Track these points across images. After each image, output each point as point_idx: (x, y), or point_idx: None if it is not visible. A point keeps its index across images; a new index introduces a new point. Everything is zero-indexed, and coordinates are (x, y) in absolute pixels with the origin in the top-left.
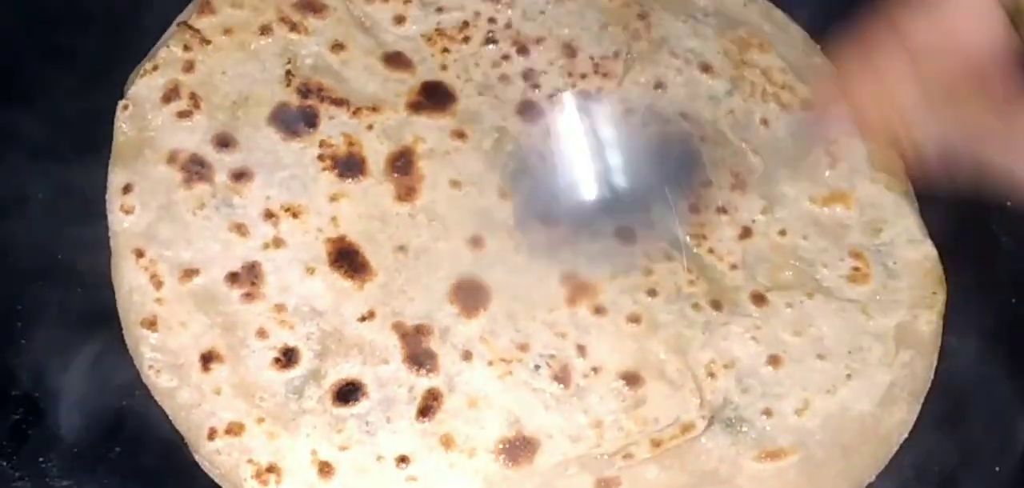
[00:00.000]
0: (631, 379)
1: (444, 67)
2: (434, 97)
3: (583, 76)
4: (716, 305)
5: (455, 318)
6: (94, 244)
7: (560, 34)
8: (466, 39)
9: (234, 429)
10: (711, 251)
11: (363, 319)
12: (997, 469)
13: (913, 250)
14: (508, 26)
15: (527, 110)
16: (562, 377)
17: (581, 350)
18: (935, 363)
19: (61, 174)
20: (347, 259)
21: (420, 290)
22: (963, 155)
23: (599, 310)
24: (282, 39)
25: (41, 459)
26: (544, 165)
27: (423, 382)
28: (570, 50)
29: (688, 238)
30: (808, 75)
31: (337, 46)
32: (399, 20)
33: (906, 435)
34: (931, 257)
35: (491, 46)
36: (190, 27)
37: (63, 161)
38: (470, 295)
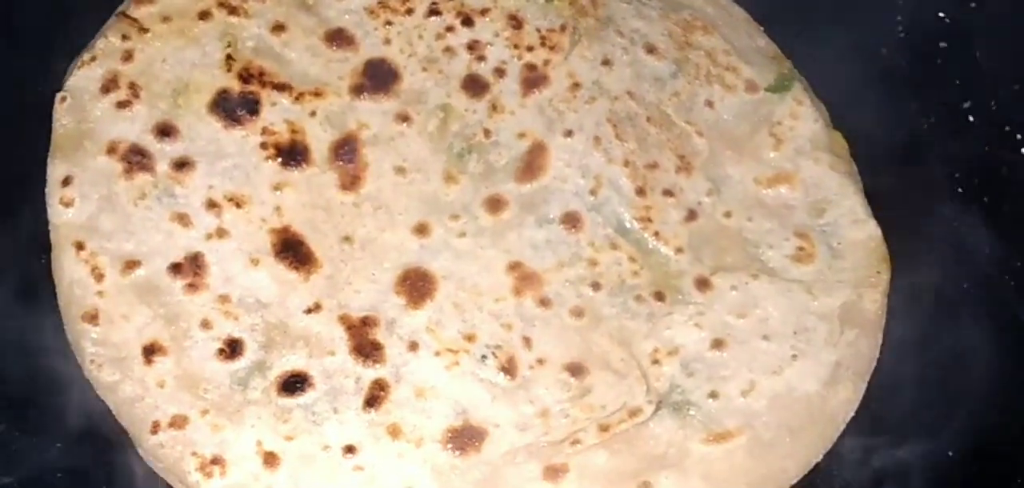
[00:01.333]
0: (576, 370)
1: (387, 41)
2: (377, 77)
3: (529, 48)
4: (659, 296)
5: (401, 309)
6: (34, 237)
7: (505, 6)
8: (409, 11)
9: (178, 422)
10: (657, 234)
11: (309, 311)
12: (950, 454)
13: (857, 230)
14: None
15: (472, 84)
16: (508, 368)
17: (527, 342)
18: (880, 342)
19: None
20: (292, 250)
21: (366, 281)
22: None
23: (544, 302)
24: (222, 23)
25: None
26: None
27: (370, 373)
28: (516, 21)
29: (635, 222)
30: (752, 57)
31: (278, 27)
32: None
33: (852, 414)
34: (875, 237)
35: (435, 18)
36: (128, 17)
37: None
38: (416, 285)
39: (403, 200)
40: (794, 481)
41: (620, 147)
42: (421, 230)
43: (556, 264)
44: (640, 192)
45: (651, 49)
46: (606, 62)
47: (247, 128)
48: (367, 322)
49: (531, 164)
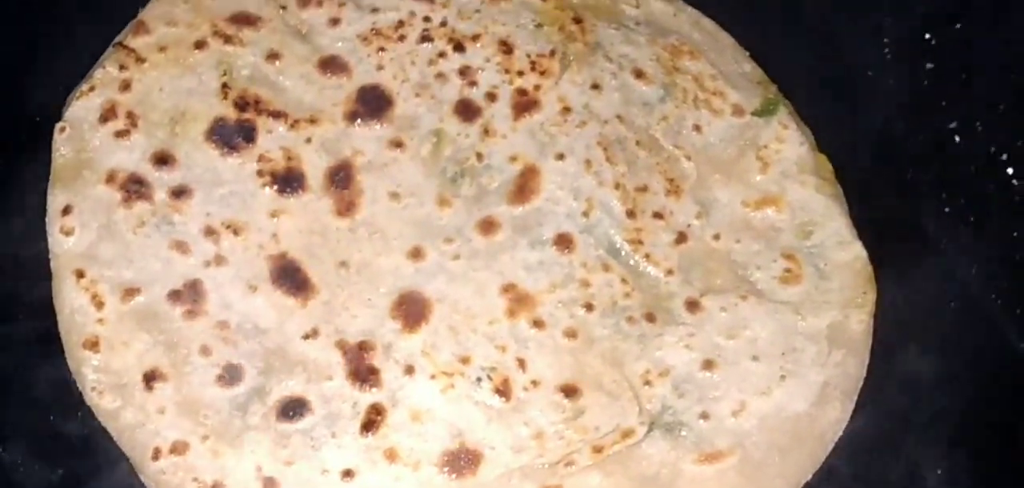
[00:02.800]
0: (570, 391)
1: (380, 67)
2: (371, 103)
3: (520, 73)
4: (650, 318)
5: (397, 333)
6: (35, 267)
7: (496, 32)
8: (402, 38)
9: (178, 448)
10: (648, 257)
11: (306, 337)
12: (938, 472)
13: (843, 251)
14: (443, 24)
15: (464, 109)
16: (503, 390)
17: (521, 364)
18: (867, 362)
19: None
20: (289, 276)
21: (362, 306)
22: None
23: (537, 323)
24: (217, 52)
25: None
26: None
27: (366, 397)
28: (506, 47)
29: (626, 244)
30: (738, 82)
31: (272, 55)
32: (334, 22)
33: (841, 433)
34: (861, 258)
35: (427, 44)
36: (125, 47)
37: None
38: (412, 309)
39: (397, 225)
40: None
41: (611, 170)
42: (416, 254)
43: (549, 285)
44: (631, 214)
45: (639, 74)
46: (595, 86)
47: (243, 156)
48: (363, 347)
49: (523, 187)
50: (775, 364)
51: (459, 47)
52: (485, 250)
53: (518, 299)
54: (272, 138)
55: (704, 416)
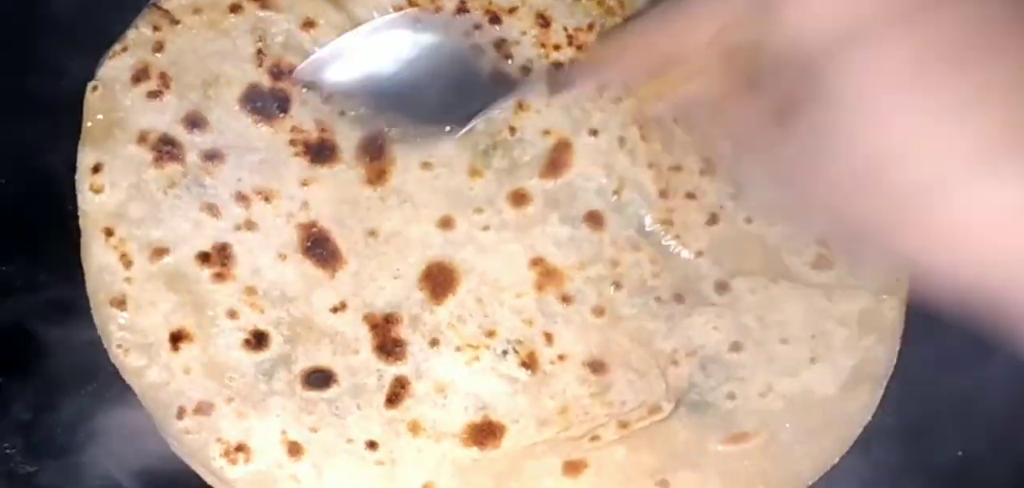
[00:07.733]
0: (596, 366)
1: None
2: None
3: (557, 47)
4: (679, 298)
5: (424, 304)
6: (59, 225)
7: (533, 4)
8: (438, 8)
9: (203, 408)
10: (678, 237)
11: (334, 310)
12: (959, 454)
13: None
14: None
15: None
16: (529, 363)
17: (548, 338)
18: (898, 347)
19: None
20: (319, 247)
21: (390, 276)
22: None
23: (566, 299)
24: (252, 17)
25: (6, 445)
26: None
27: (392, 370)
28: (544, 20)
29: (657, 224)
30: None
31: (308, 23)
32: None
33: (869, 418)
34: None
35: (463, 15)
36: (159, 8)
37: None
38: (439, 279)
39: (428, 194)
40: (810, 483)
41: (645, 148)
42: (445, 223)
43: (578, 262)
44: (663, 194)
45: None
46: None
47: (276, 126)
48: (390, 319)
49: (556, 160)
50: (804, 347)
51: (495, 19)
52: (515, 223)
53: (547, 273)
54: (306, 110)
55: (731, 396)
